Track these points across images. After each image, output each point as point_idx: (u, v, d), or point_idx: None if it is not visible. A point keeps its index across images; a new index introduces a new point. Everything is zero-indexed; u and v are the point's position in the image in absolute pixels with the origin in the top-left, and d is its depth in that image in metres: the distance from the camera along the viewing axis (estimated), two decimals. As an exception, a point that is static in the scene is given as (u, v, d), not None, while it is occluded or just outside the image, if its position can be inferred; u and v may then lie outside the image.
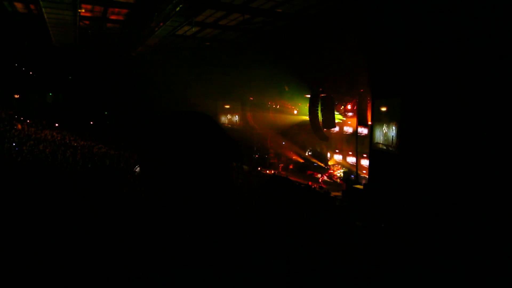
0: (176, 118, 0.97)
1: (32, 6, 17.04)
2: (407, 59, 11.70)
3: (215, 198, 0.94)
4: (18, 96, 26.65)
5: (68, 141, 19.60)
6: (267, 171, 24.77)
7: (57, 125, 24.52)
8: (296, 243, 1.69)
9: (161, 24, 16.48)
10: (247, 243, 1.02)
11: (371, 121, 17.00)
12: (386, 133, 15.51)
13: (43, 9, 14.21)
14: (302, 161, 25.14)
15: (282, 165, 25.49)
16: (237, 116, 27.81)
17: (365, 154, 19.52)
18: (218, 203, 0.94)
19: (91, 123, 27.71)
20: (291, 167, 24.98)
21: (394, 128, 14.81)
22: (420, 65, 10.73)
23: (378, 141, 16.20)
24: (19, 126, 19.40)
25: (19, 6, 17.37)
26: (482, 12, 8.51)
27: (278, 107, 24.71)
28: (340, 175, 21.31)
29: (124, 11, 17.80)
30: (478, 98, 8.80)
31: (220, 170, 0.95)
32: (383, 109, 15.84)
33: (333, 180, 21.82)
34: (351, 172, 20.62)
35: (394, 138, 14.68)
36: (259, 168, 24.93)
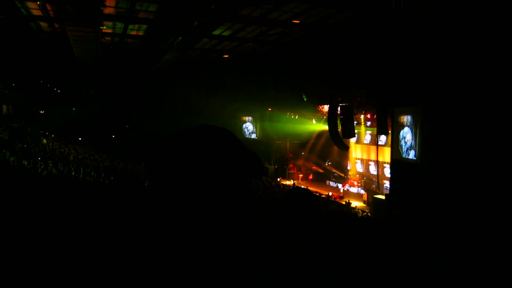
0: (193, 133, 0.93)
1: (56, 25, 17.62)
2: (428, 66, 11.53)
3: (235, 217, 0.91)
4: (43, 111, 27.45)
5: (91, 155, 20.01)
6: (287, 182, 24.65)
7: (80, 139, 25.10)
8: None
9: (180, 38, 16.77)
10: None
11: (392, 130, 16.77)
12: (407, 142, 15.26)
13: (67, 27, 14.66)
14: (321, 171, 24.95)
15: (301, 175, 25.35)
16: (256, 127, 27.86)
17: (386, 163, 19.23)
18: (238, 223, 0.91)
19: (113, 136, 28.24)
20: (310, 177, 24.81)
21: (415, 137, 14.56)
22: (441, 72, 10.56)
23: (399, 151, 15.94)
24: (44, 141, 19.94)
25: (44, 24, 18.00)
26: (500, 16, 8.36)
27: (297, 117, 24.66)
28: (361, 185, 21.02)
29: (144, 26, 18.22)
30: (503, 106, 8.59)
31: (240, 186, 0.92)
32: (404, 117, 15.62)
33: (354, 190, 21.52)
34: (372, 182, 20.31)
35: (415, 147, 14.43)
36: (278, 179, 24.85)
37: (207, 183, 0.87)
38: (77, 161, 17.38)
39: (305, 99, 22.17)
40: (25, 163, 14.08)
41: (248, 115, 28.20)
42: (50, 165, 15.24)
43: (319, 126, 23.51)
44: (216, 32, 17.79)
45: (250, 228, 0.92)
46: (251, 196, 0.94)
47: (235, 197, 0.90)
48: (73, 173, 15.03)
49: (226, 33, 18.65)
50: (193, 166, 0.87)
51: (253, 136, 28.03)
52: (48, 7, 15.07)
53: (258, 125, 27.48)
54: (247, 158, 0.96)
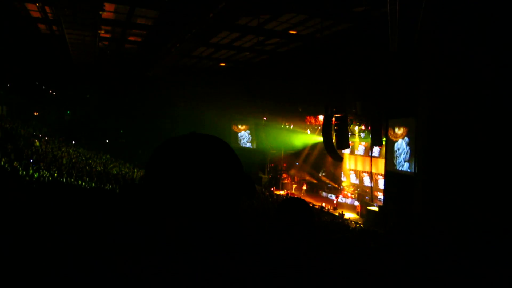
0: (191, 142, 0.89)
1: (54, 27, 17.62)
2: (421, 78, 11.66)
3: (219, 232, 0.86)
4: (37, 113, 27.31)
5: (83, 159, 19.88)
6: (280, 192, 24.62)
7: (74, 142, 24.96)
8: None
9: (177, 45, 16.84)
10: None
11: (386, 141, 16.87)
12: (401, 153, 15.35)
13: (65, 30, 14.67)
14: (315, 181, 24.95)
15: (295, 185, 25.33)
16: (250, 136, 27.89)
17: (379, 175, 19.30)
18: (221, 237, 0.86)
19: (107, 141, 28.14)
20: (304, 187, 24.80)
21: (409, 148, 14.65)
22: (435, 83, 10.67)
23: (393, 162, 16.02)
24: (37, 143, 19.79)
25: (42, 27, 17.99)
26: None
27: (291, 127, 24.73)
28: (354, 196, 21.04)
29: (142, 32, 18.27)
30: (496, 120, 8.68)
31: (230, 204, 0.88)
32: (398, 129, 15.73)
33: (347, 201, 21.52)
34: (366, 194, 20.35)
35: (409, 159, 14.51)
36: (272, 189, 24.81)
37: (198, 192, 0.83)
38: (70, 165, 17.26)
39: (300, 110, 22.28)
40: (17, 164, 13.96)
41: (243, 124, 28.24)
42: (42, 167, 15.12)
43: (313, 136, 23.57)
44: (214, 40, 17.88)
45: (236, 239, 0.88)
46: (237, 212, 0.90)
47: (223, 211, 0.86)
48: (65, 177, 14.92)
49: (223, 42, 18.75)
50: (185, 174, 0.83)
51: (248, 145, 28.04)
52: (47, 9, 15.09)
53: (253, 134, 27.51)
54: (242, 177, 0.91)
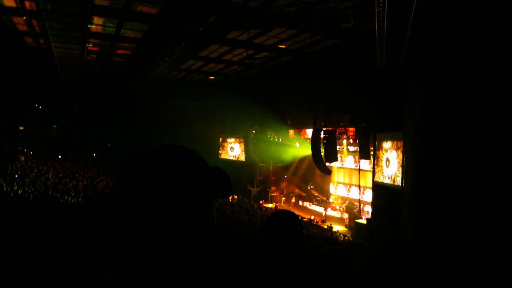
0: (152, 153, 0.89)
1: (41, 41, 17.51)
2: (409, 92, 11.84)
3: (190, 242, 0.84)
4: (22, 128, 26.91)
5: (69, 173, 19.58)
6: (269, 204, 24.54)
7: (60, 156, 24.61)
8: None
9: (167, 58, 16.86)
10: None
11: (373, 155, 17.00)
12: (389, 167, 15.46)
13: (52, 43, 14.58)
14: (304, 194, 24.94)
15: (284, 198, 25.28)
16: (239, 149, 27.87)
17: (368, 188, 19.39)
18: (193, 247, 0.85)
19: (94, 155, 27.82)
20: (293, 200, 24.75)
21: (396, 162, 14.78)
22: (422, 98, 10.84)
23: (381, 175, 16.12)
24: (22, 158, 19.47)
25: (29, 40, 17.85)
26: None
27: (280, 140, 24.79)
28: (343, 209, 21.06)
29: (131, 45, 18.26)
30: (481, 131, 8.83)
31: (199, 209, 0.86)
32: (385, 142, 15.88)
33: (336, 214, 21.53)
34: (354, 206, 20.39)
35: (397, 172, 14.62)
36: (261, 201, 24.72)
37: (164, 202, 0.82)
38: (55, 180, 16.97)
39: (289, 123, 22.40)
40: (1, 180, 13.68)
41: (233, 137, 28.24)
42: (27, 183, 14.84)
43: (302, 149, 23.65)
44: (203, 54, 17.95)
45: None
46: (211, 218, 0.88)
47: (192, 218, 0.85)
48: (50, 192, 14.65)
49: (212, 55, 18.84)
50: (150, 184, 0.83)
51: (237, 158, 27.99)
52: (34, 22, 15.00)
53: (242, 147, 27.49)
54: (211, 177, 0.90)
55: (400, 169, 14.04)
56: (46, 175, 17.33)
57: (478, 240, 8.32)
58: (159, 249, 0.81)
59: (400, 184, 13.90)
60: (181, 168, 0.87)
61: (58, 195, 14.57)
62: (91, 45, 16.21)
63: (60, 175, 18.26)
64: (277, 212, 2.05)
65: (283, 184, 26.23)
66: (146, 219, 0.81)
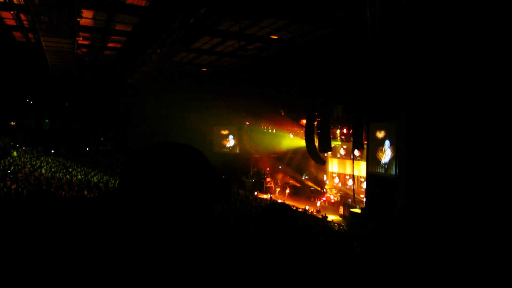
0: (160, 151, 0.87)
1: (30, 35, 17.26)
2: (401, 81, 11.86)
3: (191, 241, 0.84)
4: (14, 123, 26.64)
5: (63, 168, 19.48)
6: (264, 195, 24.64)
7: (53, 151, 24.44)
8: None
9: (158, 50, 16.71)
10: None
11: (367, 144, 17.09)
12: (382, 156, 15.55)
13: (41, 38, 14.38)
14: (298, 185, 25.06)
15: (278, 189, 25.38)
16: (233, 141, 27.86)
17: (362, 177, 19.51)
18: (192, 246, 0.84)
19: (87, 149, 27.66)
20: (287, 191, 24.87)
21: (390, 151, 14.86)
22: (414, 87, 10.87)
23: (375, 165, 16.22)
24: (15, 153, 19.30)
25: (17, 35, 17.60)
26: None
27: (274, 131, 24.81)
28: (337, 198, 21.21)
29: (122, 38, 18.07)
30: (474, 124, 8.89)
31: (203, 212, 0.86)
32: (379, 132, 15.95)
33: (330, 204, 21.69)
34: (348, 196, 20.54)
35: (390, 162, 14.71)
36: (256, 193, 24.81)
37: (169, 204, 0.82)
38: (49, 174, 16.88)
39: (282, 114, 22.40)
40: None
41: (227, 129, 28.21)
42: (20, 178, 14.75)
43: (296, 140, 23.70)
44: (195, 46, 17.81)
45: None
46: (211, 221, 0.88)
47: (194, 219, 0.85)
48: (44, 187, 14.58)
49: (204, 47, 18.71)
50: (156, 186, 0.82)
51: (232, 149, 28.01)
52: (23, 17, 14.77)
53: (236, 139, 27.49)
54: (216, 182, 0.89)
55: (394, 158, 14.14)
56: (39, 170, 17.22)
57: (471, 232, 8.43)
58: (156, 248, 0.80)
59: (394, 173, 14.00)
60: (187, 169, 0.85)
61: (52, 189, 14.52)
62: (81, 38, 16.00)
63: (53, 169, 18.16)
64: (271, 204, 2.06)
65: (278, 175, 26.32)
66: (147, 217, 0.81)
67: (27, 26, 15.84)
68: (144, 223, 0.81)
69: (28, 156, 20.20)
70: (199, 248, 0.84)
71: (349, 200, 20.13)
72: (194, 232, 0.84)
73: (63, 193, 14.38)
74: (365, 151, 17.89)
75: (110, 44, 19.15)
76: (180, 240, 0.83)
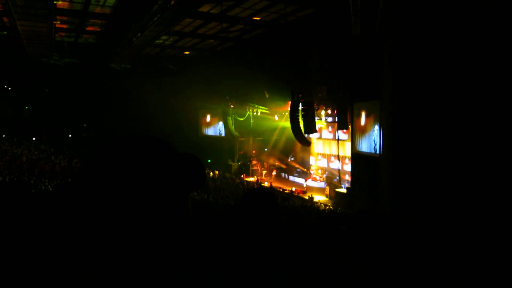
0: (116, 145, 0.83)
1: (5, 19, 16.69)
2: (383, 60, 11.91)
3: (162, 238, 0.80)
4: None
5: (46, 155, 19.19)
6: (250, 178, 24.74)
7: (34, 139, 23.99)
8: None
9: (139, 34, 16.37)
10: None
11: (351, 125, 17.22)
12: (367, 135, 15.71)
13: (17, 22, 13.93)
14: (284, 166, 25.21)
15: (265, 171, 25.51)
16: (218, 124, 27.76)
17: (347, 157, 19.72)
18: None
19: (69, 136, 27.23)
20: (274, 173, 25.02)
21: (374, 130, 15.02)
22: (396, 66, 10.93)
23: (359, 144, 16.39)
24: (-5, 142, 18.89)
25: (-9, 19, 17.01)
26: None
27: (259, 114, 24.76)
28: (323, 179, 21.43)
29: (102, 22, 17.62)
30: (457, 101, 9.01)
31: (172, 204, 0.82)
32: (363, 112, 16.07)
33: (316, 185, 21.91)
34: (334, 176, 20.77)
35: (374, 141, 14.89)
36: (242, 176, 24.89)
37: (131, 198, 0.77)
38: (31, 162, 16.61)
39: (267, 96, 22.30)
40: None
41: (211, 112, 28.06)
42: (1, 167, 14.48)
43: (281, 122, 23.72)
44: (177, 28, 17.49)
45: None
46: (185, 213, 0.84)
47: (164, 213, 0.80)
48: (26, 175, 14.36)
49: (186, 30, 18.39)
50: (118, 178, 0.78)
51: (217, 133, 27.93)
52: (-4, 0, 14.25)
53: (220, 123, 27.39)
54: (182, 167, 0.84)
55: (378, 137, 14.30)
56: (21, 158, 16.93)
57: (451, 213, 8.61)
58: (129, 245, 0.76)
59: (378, 152, 14.18)
60: (149, 161, 0.81)
61: (33, 177, 14.30)
62: (58, 22, 15.54)
63: (34, 157, 17.87)
64: (252, 190, 2.05)
65: (264, 157, 26.41)
66: (110, 214, 0.76)
67: (1, 9, 15.30)
68: (101, 220, 0.77)
69: (8, 143, 19.81)
70: (171, 246, 0.80)
71: (335, 180, 20.37)
72: (161, 229, 0.80)
73: (46, 181, 14.19)
74: (349, 131, 18.04)
75: (90, 28, 18.67)
76: (144, 238, 0.78)
